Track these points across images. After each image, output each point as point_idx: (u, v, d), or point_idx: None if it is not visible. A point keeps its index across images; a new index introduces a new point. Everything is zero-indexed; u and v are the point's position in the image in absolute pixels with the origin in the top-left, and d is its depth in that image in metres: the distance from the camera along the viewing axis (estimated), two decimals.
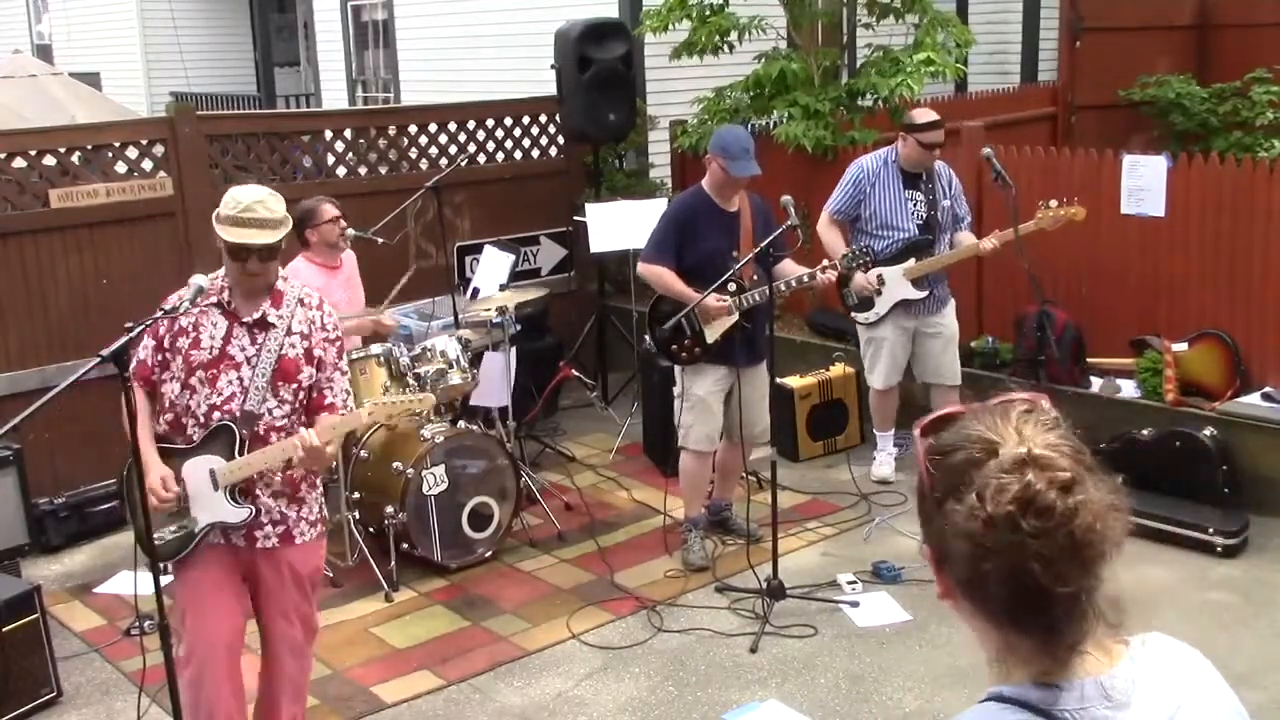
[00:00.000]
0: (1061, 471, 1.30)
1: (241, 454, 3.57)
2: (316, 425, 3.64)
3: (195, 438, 3.58)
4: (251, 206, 3.49)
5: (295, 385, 3.64)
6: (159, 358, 3.59)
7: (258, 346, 3.58)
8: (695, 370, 5.44)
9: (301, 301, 3.68)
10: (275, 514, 3.67)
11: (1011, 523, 1.27)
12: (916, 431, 1.42)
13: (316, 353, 3.67)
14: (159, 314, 3.49)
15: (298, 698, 3.97)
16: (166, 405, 3.61)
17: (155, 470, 3.53)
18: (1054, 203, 5.95)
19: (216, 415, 3.56)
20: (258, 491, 3.64)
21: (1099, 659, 1.34)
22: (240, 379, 3.57)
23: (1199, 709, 1.38)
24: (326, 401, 3.71)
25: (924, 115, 6.08)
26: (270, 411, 3.60)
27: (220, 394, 3.56)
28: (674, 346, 5.42)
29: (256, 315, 3.59)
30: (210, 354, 3.55)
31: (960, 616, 1.41)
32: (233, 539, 3.66)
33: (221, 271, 3.63)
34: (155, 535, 3.55)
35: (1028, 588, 1.28)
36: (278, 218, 3.54)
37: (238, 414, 3.56)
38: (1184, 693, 1.38)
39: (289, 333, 3.62)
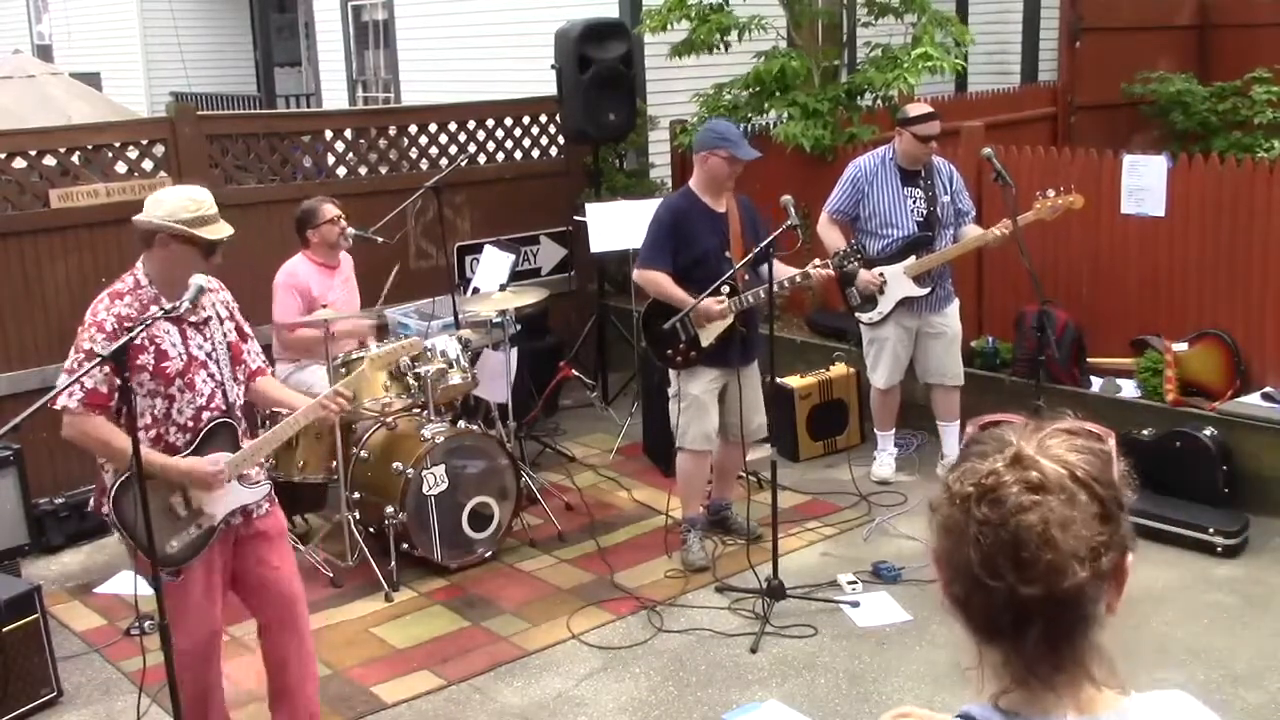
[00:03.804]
0: (1038, 474, 1.25)
1: (242, 443, 3.71)
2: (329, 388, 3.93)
3: (179, 443, 3.63)
4: (209, 204, 3.63)
5: (243, 364, 3.84)
6: (118, 383, 3.54)
7: (210, 341, 3.70)
8: (690, 371, 5.43)
9: (204, 290, 3.71)
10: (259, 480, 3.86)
11: (965, 505, 1.25)
12: (971, 429, 1.40)
13: (245, 329, 3.88)
14: (159, 313, 3.49)
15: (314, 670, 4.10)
16: (151, 421, 3.61)
17: (192, 462, 3.59)
18: (1051, 192, 5.96)
19: (205, 415, 3.65)
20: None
21: (1083, 700, 1.29)
22: (212, 375, 3.68)
23: None
24: (255, 367, 3.92)
25: (918, 108, 6.10)
26: (240, 395, 3.80)
27: (201, 395, 3.65)
28: (669, 351, 5.40)
29: (204, 314, 3.68)
30: (181, 360, 3.62)
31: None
32: (230, 520, 3.75)
33: (134, 282, 3.63)
34: (172, 541, 3.61)
35: (965, 576, 1.25)
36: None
37: (225, 408, 3.70)
38: None
39: (220, 320, 3.76)
